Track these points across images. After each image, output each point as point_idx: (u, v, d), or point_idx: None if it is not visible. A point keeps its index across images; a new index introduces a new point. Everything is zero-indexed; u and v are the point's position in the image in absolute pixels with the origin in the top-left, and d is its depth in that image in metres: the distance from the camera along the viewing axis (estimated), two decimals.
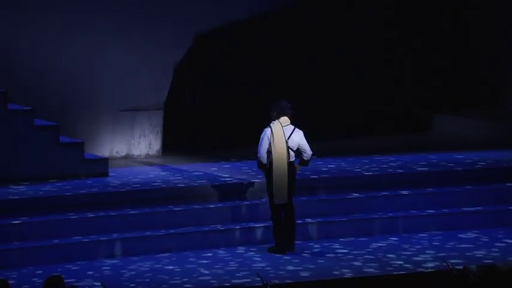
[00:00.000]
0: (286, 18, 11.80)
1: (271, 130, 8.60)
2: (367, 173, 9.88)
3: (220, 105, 11.69)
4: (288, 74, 11.91)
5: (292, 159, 8.63)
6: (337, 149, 11.19)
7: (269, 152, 8.60)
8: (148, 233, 8.76)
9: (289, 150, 8.58)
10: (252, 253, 8.70)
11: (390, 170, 10.01)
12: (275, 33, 11.76)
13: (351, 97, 12.25)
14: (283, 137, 8.58)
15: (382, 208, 9.42)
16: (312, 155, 8.71)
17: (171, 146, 11.33)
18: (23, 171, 9.51)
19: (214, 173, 9.94)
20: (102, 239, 8.60)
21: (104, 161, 9.97)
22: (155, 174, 10.05)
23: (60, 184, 9.41)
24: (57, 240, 8.49)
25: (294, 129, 8.62)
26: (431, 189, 9.68)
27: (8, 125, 9.55)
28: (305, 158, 8.67)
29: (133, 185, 9.41)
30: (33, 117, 9.70)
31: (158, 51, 11.21)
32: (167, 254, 8.65)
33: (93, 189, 9.20)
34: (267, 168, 8.62)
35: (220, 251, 8.74)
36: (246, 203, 9.22)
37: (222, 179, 9.62)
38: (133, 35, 11.07)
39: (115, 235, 8.67)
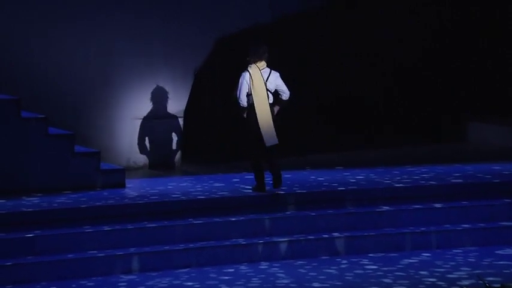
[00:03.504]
0: (311, 19, 11.81)
1: (250, 74, 9.17)
2: (398, 185, 9.83)
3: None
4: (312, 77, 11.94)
5: (271, 101, 9.24)
6: (366, 159, 11.19)
7: (249, 95, 9.18)
8: (167, 247, 8.75)
9: (268, 92, 9.16)
10: (276, 269, 8.68)
11: (422, 182, 9.96)
12: (296, 35, 11.78)
13: (374, 103, 12.24)
14: (262, 79, 9.16)
15: (414, 222, 9.36)
16: (290, 95, 9.26)
17: (191, 155, 11.36)
18: (36, 182, 9.56)
19: (236, 184, 9.93)
20: (118, 253, 8.60)
21: (121, 171, 10.01)
22: (174, 185, 10.06)
23: (75, 196, 9.44)
24: (71, 255, 8.51)
25: (270, 72, 9.23)
26: (466, 202, 9.61)
27: (21, 134, 9.61)
28: (284, 98, 9.31)
29: (151, 197, 9.43)
30: (47, 125, 9.75)
31: (177, 57, 11.25)
32: (186, 270, 8.64)
33: (109, 201, 9.23)
34: (246, 111, 9.22)
35: (242, 267, 8.72)
36: (269, 216, 9.20)
37: (244, 191, 9.62)
38: (151, 40, 11.12)
39: (132, 249, 8.67)
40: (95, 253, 8.57)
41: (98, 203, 9.15)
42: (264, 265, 8.78)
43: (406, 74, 12.33)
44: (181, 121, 11.31)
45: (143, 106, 11.18)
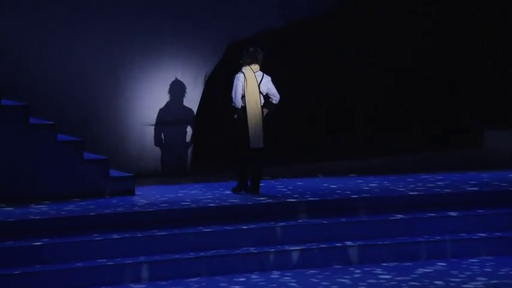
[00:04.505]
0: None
1: (244, 75, 9.43)
2: (412, 193, 9.78)
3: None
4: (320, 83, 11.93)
5: (262, 104, 9.54)
6: (379, 166, 11.16)
7: (242, 96, 9.45)
8: (177, 256, 8.74)
9: (261, 94, 9.44)
10: (288, 278, 8.65)
11: (437, 190, 9.91)
12: (310, 40, 11.77)
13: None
14: (256, 82, 9.43)
15: (429, 230, 9.32)
16: (280, 99, 9.55)
17: (201, 162, 11.34)
18: (44, 190, 9.56)
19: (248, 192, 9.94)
20: (127, 262, 8.59)
21: (130, 178, 10.00)
22: (184, 192, 10.05)
23: (83, 203, 9.44)
24: (80, 263, 8.50)
25: (263, 75, 9.55)
26: (482, 210, 9.56)
27: (29, 140, 9.62)
28: (274, 102, 9.57)
29: (161, 205, 9.41)
30: (56, 132, 9.76)
31: (188, 63, 11.25)
32: (197, 279, 8.62)
33: (118, 209, 9.21)
34: (238, 113, 9.47)
35: (254, 276, 8.70)
36: (281, 224, 9.17)
37: (256, 198, 9.60)
38: (162, 45, 11.13)
39: (141, 258, 8.65)
40: (104, 262, 8.56)
41: (107, 211, 9.13)
42: (275, 274, 8.76)
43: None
44: (192, 127, 11.31)
45: (153, 112, 11.18)
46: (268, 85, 9.54)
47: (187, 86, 11.29)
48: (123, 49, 10.99)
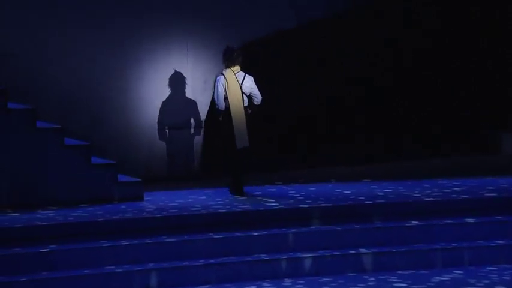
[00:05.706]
0: (336, 25, 11.80)
1: (225, 77, 9.61)
2: (428, 199, 9.73)
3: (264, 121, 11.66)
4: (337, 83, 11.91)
5: (246, 104, 9.73)
6: (393, 171, 11.10)
7: (225, 98, 9.64)
8: (186, 263, 8.71)
9: (243, 95, 9.59)
10: (300, 286, 8.60)
11: (454, 195, 9.86)
12: (323, 41, 11.75)
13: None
14: (237, 82, 9.64)
15: (445, 238, 9.27)
16: (262, 100, 9.74)
17: (210, 166, 11.31)
18: (51, 195, 9.55)
19: (258, 198, 9.87)
20: (136, 269, 8.57)
21: (139, 183, 9.97)
22: (194, 198, 10.03)
23: (91, 209, 9.42)
24: (88, 270, 8.48)
25: (245, 75, 9.77)
26: (500, 217, 9.50)
27: (36, 145, 9.60)
28: (256, 103, 9.77)
29: (171, 210, 9.39)
30: (63, 136, 9.74)
31: (198, 66, 11.23)
32: (207, 286, 8.60)
33: (127, 215, 9.20)
34: (222, 114, 9.67)
35: (265, 284, 8.66)
36: (293, 230, 9.13)
37: (267, 204, 9.56)
38: (170, 48, 11.11)
39: (150, 265, 8.63)
40: (113, 269, 8.54)
41: (115, 217, 9.11)
42: (287, 282, 8.71)
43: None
44: (201, 131, 11.27)
45: (162, 116, 11.16)
46: (251, 85, 9.74)
47: (196, 89, 11.26)
48: (130, 51, 10.97)
